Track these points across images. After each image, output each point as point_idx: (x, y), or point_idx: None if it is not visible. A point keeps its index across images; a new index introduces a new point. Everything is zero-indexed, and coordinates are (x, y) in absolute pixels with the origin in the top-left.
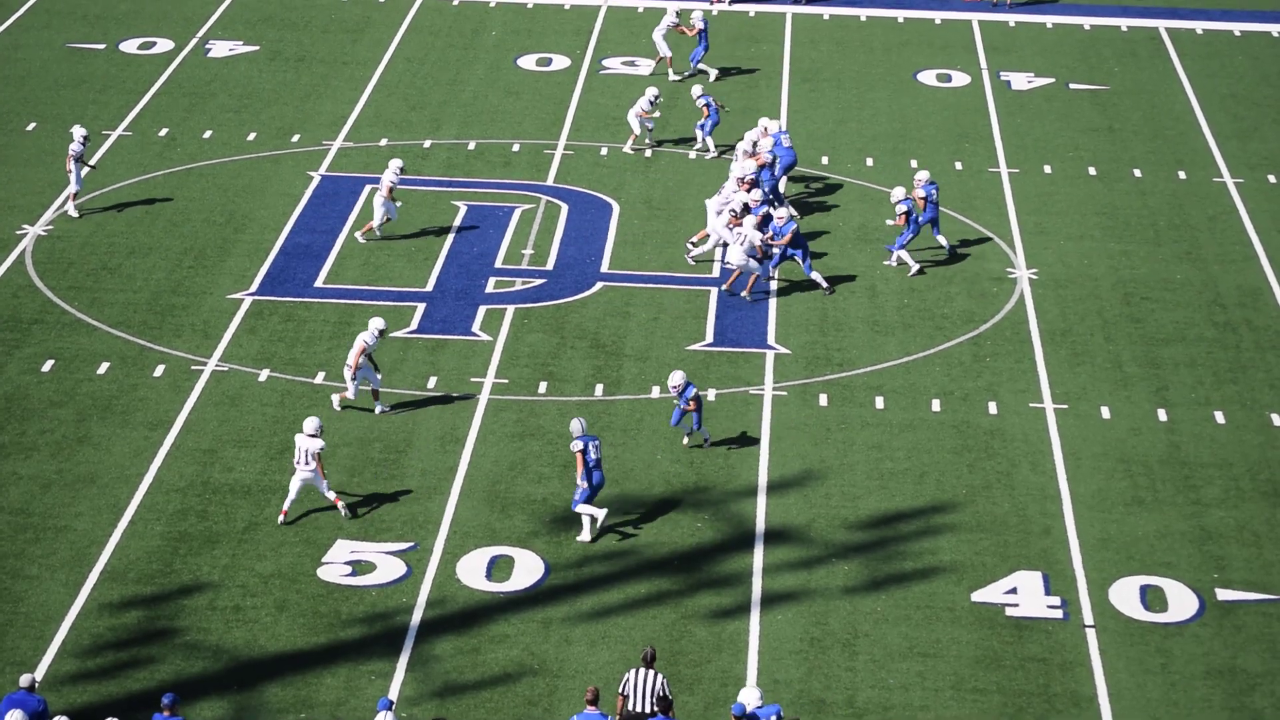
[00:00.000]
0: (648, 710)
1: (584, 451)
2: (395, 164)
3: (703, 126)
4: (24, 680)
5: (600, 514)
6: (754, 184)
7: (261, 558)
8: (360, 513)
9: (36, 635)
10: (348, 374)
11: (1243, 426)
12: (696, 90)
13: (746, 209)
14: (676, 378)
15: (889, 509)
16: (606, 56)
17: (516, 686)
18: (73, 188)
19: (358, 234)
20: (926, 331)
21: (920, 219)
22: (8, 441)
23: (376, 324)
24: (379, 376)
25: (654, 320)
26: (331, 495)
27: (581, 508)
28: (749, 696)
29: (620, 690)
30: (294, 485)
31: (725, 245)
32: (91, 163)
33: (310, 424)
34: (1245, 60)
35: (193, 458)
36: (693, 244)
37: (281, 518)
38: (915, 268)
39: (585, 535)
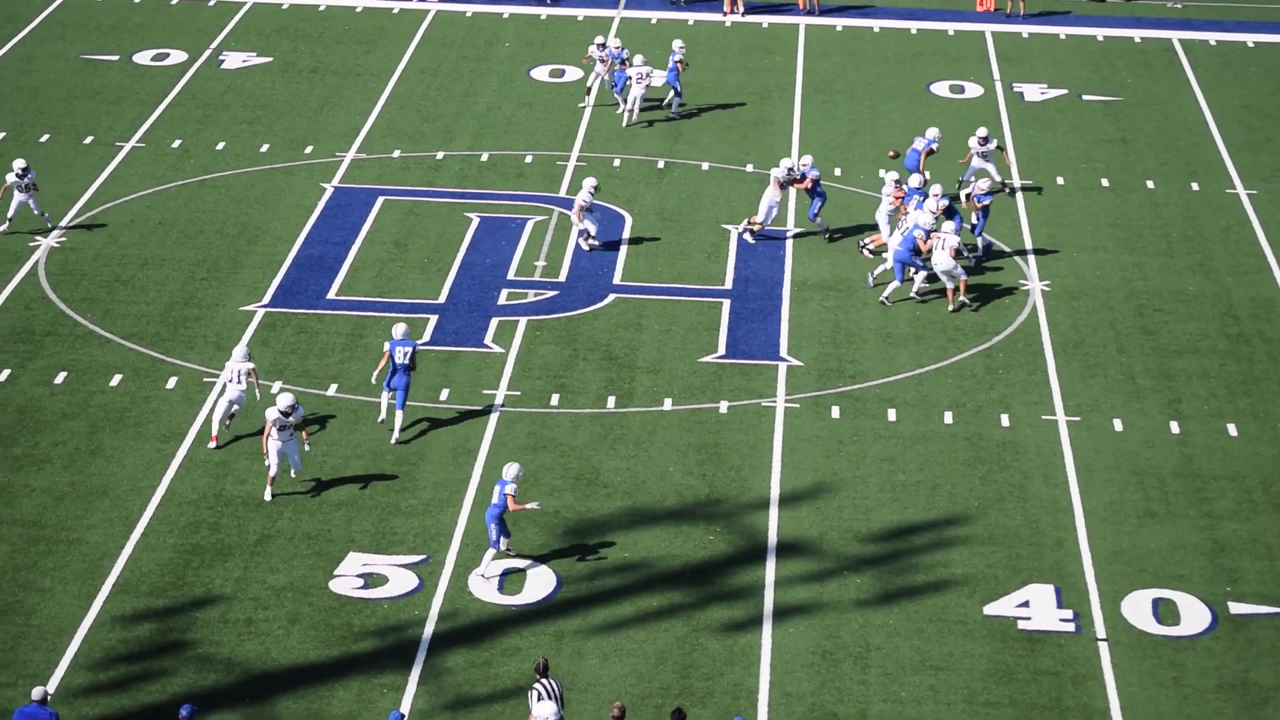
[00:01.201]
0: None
1: (390, 355)
2: (590, 183)
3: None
4: (36, 693)
5: (393, 407)
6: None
7: (274, 570)
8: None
9: (49, 648)
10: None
11: (1255, 439)
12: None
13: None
14: (513, 471)
15: (901, 521)
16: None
17: (529, 700)
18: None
19: (582, 242)
20: (939, 343)
21: (973, 224)
22: (20, 453)
23: (284, 400)
24: (299, 456)
25: (666, 332)
26: (217, 420)
27: (385, 394)
28: (543, 710)
29: (531, 708)
30: (220, 407)
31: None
32: (47, 215)
33: (239, 351)
34: (1259, 71)
35: (205, 470)
36: (870, 250)
37: (213, 444)
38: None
39: (383, 415)
